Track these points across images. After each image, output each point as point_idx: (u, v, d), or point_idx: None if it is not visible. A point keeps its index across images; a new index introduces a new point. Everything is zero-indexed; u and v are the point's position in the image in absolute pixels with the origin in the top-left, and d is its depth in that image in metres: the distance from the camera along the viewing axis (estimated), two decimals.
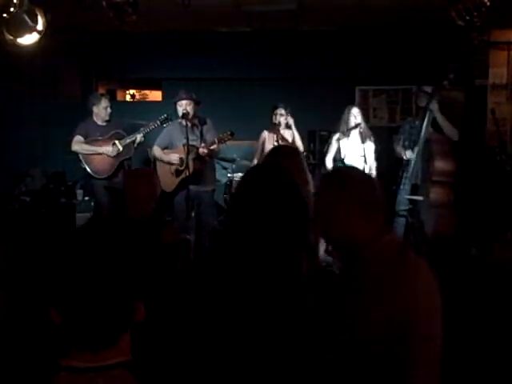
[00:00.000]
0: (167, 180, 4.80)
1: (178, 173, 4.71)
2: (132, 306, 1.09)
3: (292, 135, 5.13)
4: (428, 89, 4.93)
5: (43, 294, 1.12)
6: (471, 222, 4.66)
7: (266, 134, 5.16)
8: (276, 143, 4.82)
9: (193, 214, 4.65)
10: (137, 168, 5.10)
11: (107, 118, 5.12)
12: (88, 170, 5.03)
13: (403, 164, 4.95)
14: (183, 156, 4.60)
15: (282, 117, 4.98)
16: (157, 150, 4.86)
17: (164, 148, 4.85)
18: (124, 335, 1.10)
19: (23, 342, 1.89)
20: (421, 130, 4.85)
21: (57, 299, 1.06)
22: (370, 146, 4.90)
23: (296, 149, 3.43)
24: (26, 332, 1.95)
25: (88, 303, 1.03)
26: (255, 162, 5.27)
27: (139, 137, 5.01)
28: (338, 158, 4.94)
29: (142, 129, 5.02)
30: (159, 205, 3.14)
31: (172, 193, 4.79)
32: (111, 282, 1.05)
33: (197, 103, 4.76)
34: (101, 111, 5.07)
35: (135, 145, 5.06)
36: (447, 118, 4.83)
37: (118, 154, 5.03)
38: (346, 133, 4.91)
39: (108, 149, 4.99)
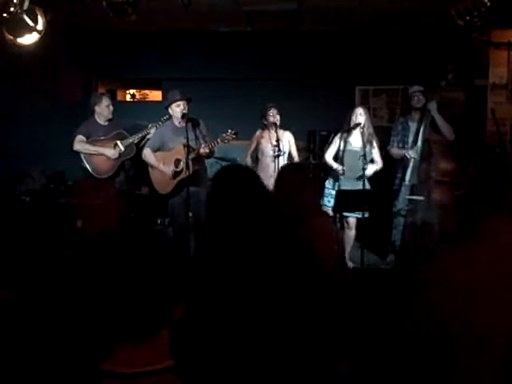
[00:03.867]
0: (162, 183, 4.77)
1: (175, 174, 4.68)
2: (173, 301, 1.12)
3: (289, 138, 5.13)
4: (421, 88, 4.95)
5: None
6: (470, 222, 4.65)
7: (261, 134, 5.15)
8: (276, 142, 4.82)
9: (190, 214, 4.64)
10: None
11: (110, 116, 5.12)
12: (89, 169, 5.03)
13: (402, 164, 4.95)
14: (179, 157, 4.58)
15: (276, 116, 4.98)
16: (148, 154, 4.80)
17: (156, 150, 4.81)
18: (164, 332, 1.11)
19: (57, 347, 1.90)
20: (417, 130, 4.85)
21: (104, 288, 1.09)
22: (373, 148, 4.90)
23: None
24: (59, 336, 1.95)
25: (131, 292, 1.06)
26: (248, 159, 5.28)
27: (141, 137, 5.02)
28: (338, 157, 4.93)
29: (144, 129, 5.02)
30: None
31: (168, 195, 4.76)
32: (155, 271, 1.09)
33: (189, 102, 4.75)
34: (103, 110, 5.07)
35: (143, 143, 5.06)
36: (445, 118, 4.84)
37: (120, 154, 5.03)
38: (347, 132, 4.91)
39: (110, 151, 5.00)
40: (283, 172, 2.84)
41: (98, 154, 5.00)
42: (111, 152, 5.00)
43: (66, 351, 1.73)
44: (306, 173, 2.75)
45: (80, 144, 5.00)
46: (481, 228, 1.57)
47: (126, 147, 5.03)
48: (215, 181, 1.97)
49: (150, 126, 5.02)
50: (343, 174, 4.80)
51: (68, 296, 2.10)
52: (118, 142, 5.02)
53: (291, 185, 2.53)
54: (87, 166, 5.03)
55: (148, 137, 5.02)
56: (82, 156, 5.03)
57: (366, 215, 4.72)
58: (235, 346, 1.60)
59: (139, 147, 5.11)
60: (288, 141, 5.12)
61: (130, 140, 5.03)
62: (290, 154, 5.19)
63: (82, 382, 1.07)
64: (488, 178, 1.61)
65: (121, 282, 1.07)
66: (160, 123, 4.94)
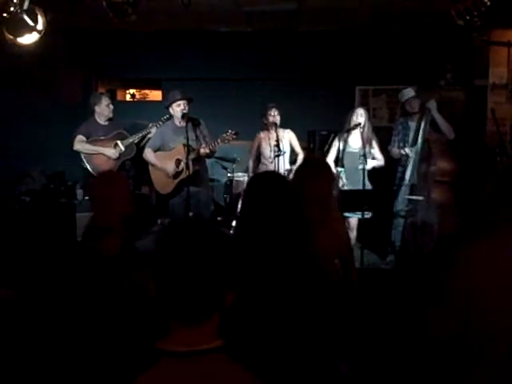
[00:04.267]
0: (163, 183, 4.77)
1: (175, 175, 4.69)
2: (227, 286, 1.18)
3: (289, 136, 5.13)
4: (412, 91, 4.94)
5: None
6: (472, 222, 4.65)
7: (261, 134, 5.15)
8: (276, 143, 4.82)
9: (191, 215, 4.64)
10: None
11: (110, 116, 5.12)
12: (89, 169, 5.03)
13: (402, 164, 4.95)
14: (180, 157, 4.58)
15: (277, 116, 4.98)
16: (149, 154, 4.82)
17: (156, 150, 4.82)
18: (216, 315, 1.17)
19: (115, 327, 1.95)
20: (417, 130, 4.85)
21: (160, 270, 1.14)
22: (372, 148, 4.90)
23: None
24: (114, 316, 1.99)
25: (191, 274, 1.12)
26: (250, 163, 5.28)
27: (141, 136, 5.02)
28: (339, 158, 4.93)
29: (145, 129, 5.02)
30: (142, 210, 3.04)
31: (168, 195, 4.76)
32: (213, 256, 1.16)
33: (189, 101, 4.75)
34: (103, 110, 5.07)
35: (143, 142, 5.06)
36: (445, 117, 4.84)
37: (120, 154, 5.03)
38: (347, 132, 4.91)
39: (110, 151, 5.00)
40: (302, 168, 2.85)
41: (98, 153, 5.00)
42: (111, 152, 5.00)
43: (126, 333, 1.81)
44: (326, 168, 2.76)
45: (80, 144, 4.99)
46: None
47: (126, 147, 5.03)
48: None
49: (150, 125, 5.02)
50: (342, 186, 4.79)
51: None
52: (119, 142, 5.02)
53: (310, 180, 2.56)
54: (87, 165, 5.02)
55: (149, 136, 5.03)
56: (82, 156, 5.02)
57: (368, 216, 4.72)
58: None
59: (140, 147, 5.12)
60: (289, 139, 5.12)
61: (131, 140, 5.03)
62: (292, 152, 5.19)
63: (141, 361, 1.13)
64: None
65: (182, 269, 1.13)
66: (160, 123, 4.95)
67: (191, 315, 1.14)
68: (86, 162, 5.03)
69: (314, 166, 2.77)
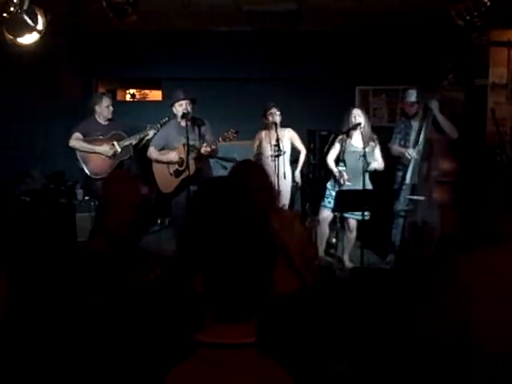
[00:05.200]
0: (166, 181, 4.78)
1: (177, 173, 4.70)
2: (268, 286, 1.19)
3: (290, 135, 5.14)
4: (413, 96, 4.94)
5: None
6: (472, 222, 4.64)
7: (262, 133, 5.15)
8: (276, 142, 4.82)
9: None
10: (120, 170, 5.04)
11: (109, 117, 5.13)
12: (86, 170, 5.03)
13: (402, 164, 4.95)
14: (183, 156, 4.59)
15: (277, 116, 4.98)
16: (153, 152, 4.84)
17: (160, 149, 4.83)
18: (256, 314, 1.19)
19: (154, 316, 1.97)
20: (419, 130, 4.85)
21: (209, 266, 1.16)
22: (373, 148, 4.89)
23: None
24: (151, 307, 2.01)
25: (241, 273, 1.14)
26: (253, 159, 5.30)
27: (139, 138, 5.03)
28: (340, 159, 4.92)
29: (143, 131, 5.03)
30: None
31: (171, 194, 4.77)
32: (263, 259, 1.17)
33: (193, 102, 4.76)
34: (103, 110, 5.08)
35: (142, 144, 5.07)
36: (447, 117, 4.84)
37: (116, 154, 5.04)
38: (347, 133, 4.91)
39: (105, 149, 5.00)
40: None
41: (93, 152, 5.00)
42: (107, 149, 5.00)
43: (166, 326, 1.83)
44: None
45: (76, 141, 5.01)
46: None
47: (122, 148, 5.04)
48: (198, 192, 2.05)
49: (148, 127, 5.02)
50: (343, 183, 4.79)
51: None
52: (115, 143, 5.03)
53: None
54: (84, 166, 5.03)
55: (146, 138, 5.03)
56: (79, 157, 5.03)
57: (367, 217, 4.72)
58: None
59: (138, 148, 5.13)
60: (290, 138, 5.13)
61: (128, 141, 5.05)
62: (294, 150, 5.19)
63: (179, 351, 1.16)
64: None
65: (231, 272, 1.14)
66: (159, 125, 4.96)
67: (236, 317, 1.16)
68: (82, 163, 5.03)
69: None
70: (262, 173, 2.57)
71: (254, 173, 2.50)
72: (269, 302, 1.35)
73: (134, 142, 5.05)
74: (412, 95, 4.95)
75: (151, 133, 4.98)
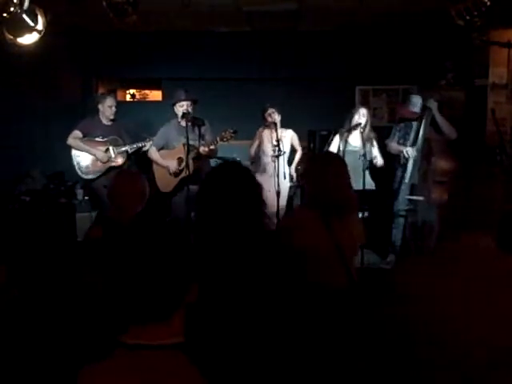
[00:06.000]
0: (165, 180, 4.79)
1: (176, 173, 4.71)
2: (186, 285, 1.20)
3: (291, 136, 5.15)
4: (418, 105, 4.94)
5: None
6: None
7: (264, 131, 5.17)
8: (276, 142, 4.82)
9: (192, 214, 4.64)
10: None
11: (112, 117, 5.13)
12: (77, 168, 5.08)
13: (401, 163, 4.95)
14: (182, 156, 4.59)
15: (275, 115, 4.99)
16: (153, 152, 4.85)
17: (160, 149, 4.85)
18: (177, 314, 1.19)
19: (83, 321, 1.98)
20: (418, 129, 4.85)
21: (121, 275, 1.17)
22: (373, 147, 4.90)
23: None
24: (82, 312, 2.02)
25: (146, 278, 1.15)
26: (252, 153, 5.32)
27: (136, 148, 5.07)
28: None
29: (141, 141, 5.07)
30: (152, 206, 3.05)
31: (170, 193, 4.78)
32: (167, 260, 1.17)
33: (194, 102, 4.77)
34: (105, 110, 5.09)
35: (140, 152, 5.10)
36: (446, 117, 4.83)
37: (109, 160, 5.06)
38: (346, 131, 4.91)
39: (100, 153, 5.03)
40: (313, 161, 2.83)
41: (88, 153, 5.02)
42: (101, 155, 5.04)
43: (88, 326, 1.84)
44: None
45: (74, 139, 5.05)
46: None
47: (116, 154, 5.06)
48: (207, 177, 2.02)
49: (147, 139, 5.05)
50: None
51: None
52: (111, 148, 5.05)
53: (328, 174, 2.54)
54: (76, 164, 5.06)
55: (144, 149, 5.05)
56: (73, 154, 5.06)
57: (365, 215, 4.72)
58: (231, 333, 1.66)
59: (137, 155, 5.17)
60: (290, 138, 5.15)
61: (123, 148, 5.07)
62: (293, 151, 5.21)
63: (102, 349, 1.17)
64: None
65: (138, 270, 1.15)
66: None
67: (147, 318, 1.16)
68: (74, 160, 5.06)
69: (324, 158, 2.79)
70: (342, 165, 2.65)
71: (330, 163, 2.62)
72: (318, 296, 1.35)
73: (129, 150, 5.08)
74: (416, 105, 4.93)
75: (148, 145, 5.00)
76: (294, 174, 5.31)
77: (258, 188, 1.93)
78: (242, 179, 1.92)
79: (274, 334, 1.67)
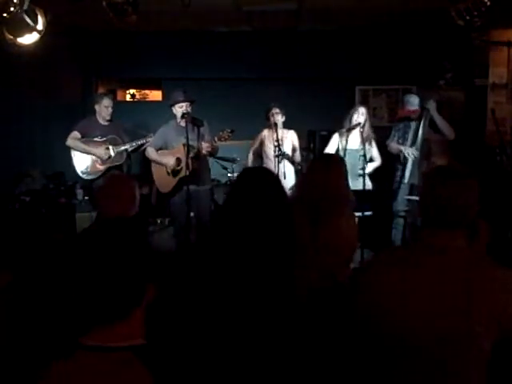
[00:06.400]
0: (164, 181, 4.78)
1: (175, 173, 4.70)
2: (143, 285, 1.21)
3: (292, 137, 5.15)
4: (416, 101, 4.95)
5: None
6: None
7: (265, 132, 5.17)
8: (276, 143, 4.82)
9: (192, 214, 4.64)
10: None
11: (108, 118, 5.12)
12: (76, 169, 5.06)
13: (401, 163, 4.95)
14: (180, 156, 4.59)
15: (279, 116, 4.98)
16: (151, 152, 4.84)
17: (158, 149, 4.84)
18: (136, 314, 1.20)
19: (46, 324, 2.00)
20: (416, 130, 4.85)
21: (74, 277, 1.18)
22: (372, 147, 4.90)
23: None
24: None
25: (101, 279, 1.16)
26: (250, 155, 5.32)
27: (136, 146, 5.07)
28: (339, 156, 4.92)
29: (141, 139, 5.05)
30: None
31: (169, 193, 4.77)
32: (123, 260, 1.18)
33: (192, 102, 4.77)
34: (102, 110, 5.08)
35: (140, 149, 5.10)
36: (445, 118, 4.83)
37: (110, 158, 5.06)
38: (346, 131, 4.91)
39: (100, 152, 5.02)
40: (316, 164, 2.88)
41: (88, 153, 5.02)
42: (101, 152, 5.02)
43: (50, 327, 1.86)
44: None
45: (72, 140, 5.04)
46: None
47: (116, 153, 5.06)
48: (236, 180, 2.06)
49: (147, 136, 5.03)
50: None
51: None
52: (110, 147, 5.05)
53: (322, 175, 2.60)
54: (75, 165, 5.05)
55: (144, 147, 5.04)
56: (72, 154, 5.06)
57: (368, 213, 4.72)
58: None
59: (135, 153, 5.16)
60: (291, 140, 5.14)
61: (123, 147, 5.06)
62: (292, 150, 5.20)
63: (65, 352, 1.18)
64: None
65: (95, 270, 1.16)
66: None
67: (105, 317, 1.17)
68: (73, 161, 5.06)
69: (325, 159, 2.81)
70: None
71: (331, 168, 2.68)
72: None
73: (129, 148, 5.07)
74: (414, 102, 4.94)
75: (149, 140, 4.99)
76: (299, 158, 5.26)
77: (286, 197, 1.95)
78: (274, 188, 1.93)
79: (272, 337, 1.68)
